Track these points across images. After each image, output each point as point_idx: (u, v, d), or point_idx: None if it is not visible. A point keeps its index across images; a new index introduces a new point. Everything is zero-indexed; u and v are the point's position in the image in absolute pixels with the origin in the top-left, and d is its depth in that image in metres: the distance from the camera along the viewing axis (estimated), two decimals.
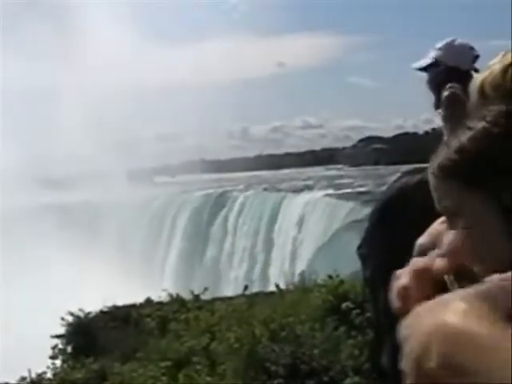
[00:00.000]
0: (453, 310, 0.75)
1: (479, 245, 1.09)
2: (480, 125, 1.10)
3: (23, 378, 9.03)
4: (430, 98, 3.01)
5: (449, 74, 2.93)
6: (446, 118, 2.82)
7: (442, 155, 1.12)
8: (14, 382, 9.11)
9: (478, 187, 1.07)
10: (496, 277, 0.90)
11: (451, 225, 1.13)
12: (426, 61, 3.07)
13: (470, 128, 1.11)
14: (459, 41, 3.08)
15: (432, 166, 1.14)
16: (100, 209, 37.65)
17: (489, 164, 1.05)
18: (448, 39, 3.07)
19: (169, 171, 79.55)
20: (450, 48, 3.04)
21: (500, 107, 1.11)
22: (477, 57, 3.03)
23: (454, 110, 2.70)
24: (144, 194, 40.98)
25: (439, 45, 3.07)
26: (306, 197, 30.32)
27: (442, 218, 1.21)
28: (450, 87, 2.86)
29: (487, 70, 1.24)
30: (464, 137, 1.10)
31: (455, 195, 1.10)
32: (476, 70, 2.82)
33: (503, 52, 1.24)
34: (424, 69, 3.08)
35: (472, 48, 3.06)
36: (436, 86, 2.94)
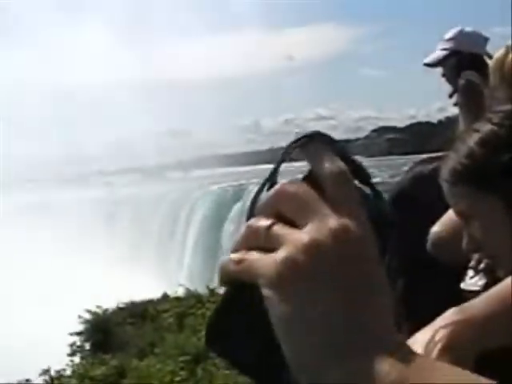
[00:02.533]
0: None
1: (492, 244, 1.09)
2: (487, 127, 1.09)
3: (44, 372, 9.09)
4: (442, 87, 2.99)
5: (468, 61, 2.90)
6: (462, 106, 2.80)
7: (451, 161, 1.12)
8: (34, 379, 9.17)
9: (489, 190, 1.07)
10: None
11: (467, 227, 1.13)
12: (440, 54, 3.02)
13: (476, 131, 1.10)
14: (467, 28, 3.06)
15: (443, 172, 1.13)
16: (113, 205, 37.79)
17: (497, 166, 1.05)
18: (456, 29, 3.05)
19: (181, 166, 79.66)
20: (463, 36, 3.02)
21: (505, 108, 1.10)
22: (487, 40, 3.00)
23: (471, 97, 2.68)
24: (158, 189, 41.07)
25: (449, 35, 3.04)
26: None
27: None
28: (466, 74, 2.83)
29: None
30: (472, 140, 1.09)
31: (468, 199, 1.10)
32: (488, 54, 2.79)
33: None
34: (436, 63, 3.05)
35: (480, 33, 3.05)
36: (458, 75, 2.90)
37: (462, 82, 2.83)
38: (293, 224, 0.45)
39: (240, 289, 0.45)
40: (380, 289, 0.44)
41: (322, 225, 0.44)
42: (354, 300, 0.42)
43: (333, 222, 0.44)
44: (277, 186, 0.47)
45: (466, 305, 1.11)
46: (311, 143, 0.49)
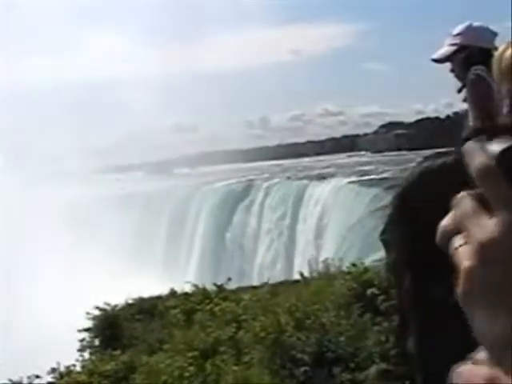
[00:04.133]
0: None
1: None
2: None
3: (52, 371, 9.13)
4: (449, 82, 2.98)
5: (477, 55, 2.89)
6: (470, 101, 2.79)
7: None
8: (44, 375, 9.21)
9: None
10: None
11: None
12: (449, 49, 3.01)
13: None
14: (475, 23, 3.05)
15: None
16: (121, 201, 37.87)
17: None
18: (464, 24, 3.03)
19: (189, 162, 79.70)
20: (472, 31, 3.00)
21: None
22: (495, 34, 2.99)
23: (480, 92, 2.67)
24: (165, 185, 41.13)
25: (457, 30, 3.03)
26: (329, 184, 30.25)
27: None
28: (475, 69, 2.82)
29: None
30: None
31: None
32: (496, 49, 2.78)
33: None
34: (444, 59, 3.04)
35: (488, 28, 3.03)
36: (466, 70, 2.89)
37: (470, 76, 2.83)
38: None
39: None
40: None
41: (470, 247, 0.52)
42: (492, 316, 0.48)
43: (477, 241, 0.51)
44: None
45: None
46: (469, 140, 0.53)
